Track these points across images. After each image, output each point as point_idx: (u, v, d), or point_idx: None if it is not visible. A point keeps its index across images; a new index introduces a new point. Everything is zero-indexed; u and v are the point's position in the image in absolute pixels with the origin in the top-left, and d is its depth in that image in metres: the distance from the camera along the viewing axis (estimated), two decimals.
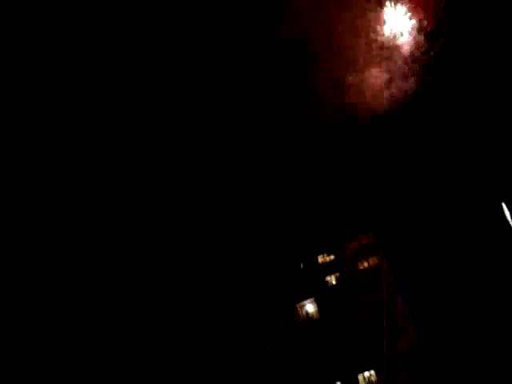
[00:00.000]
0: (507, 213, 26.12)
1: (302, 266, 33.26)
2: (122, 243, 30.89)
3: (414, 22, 21.90)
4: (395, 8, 20.65)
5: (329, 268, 33.13)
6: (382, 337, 28.65)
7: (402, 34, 21.19)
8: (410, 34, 21.57)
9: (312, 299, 31.73)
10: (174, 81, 30.86)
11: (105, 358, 26.69)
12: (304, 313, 31.32)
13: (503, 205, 25.86)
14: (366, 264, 31.91)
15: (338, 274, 32.57)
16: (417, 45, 22.09)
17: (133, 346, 28.60)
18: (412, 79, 23.82)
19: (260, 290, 33.11)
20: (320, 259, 33.73)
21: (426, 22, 21.63)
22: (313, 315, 31.13)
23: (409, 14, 21.00)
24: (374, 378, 27.59)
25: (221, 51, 28.44)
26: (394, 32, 21.76)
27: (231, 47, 28.02)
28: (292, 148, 32.74)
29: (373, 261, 32.20)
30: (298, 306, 31.63)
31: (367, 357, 28.15)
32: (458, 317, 26.92)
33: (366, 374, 27.99)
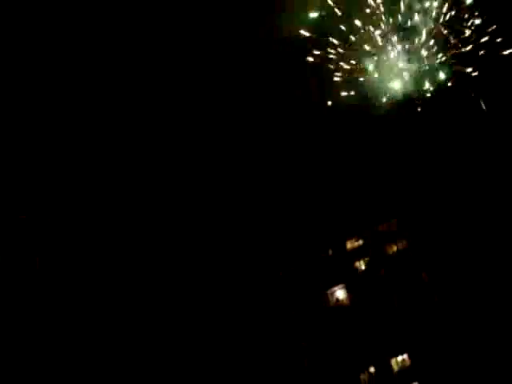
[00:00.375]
0: None
1: (330, 252, 33.31)
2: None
3: None
4: None
5: (357, 253, 33.06)
6: (413, 320, 28.60)
7: None
8: None
9: (342, 285, 31.83)
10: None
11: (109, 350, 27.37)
12: (334, 299, 31.48)
13: None
14: (394, 248, 31.69)
15: (367, 259, 32.49)
16: None
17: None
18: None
19: (291, 277, 33.40)
20: (348, 245, 33.66)
21: None
22: (343, 301, 31.26)
23: None
24: (407, 363, 27.66)
25: None
26: None
27: None
28: (317, 135, 32.61)
29: (402, 245, 31.93)
30: (328, 292, 31.81)
31: (399, 341, 28.17)
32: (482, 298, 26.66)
33: (399, 358, 28.07)
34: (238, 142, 32.89)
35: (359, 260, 32.66)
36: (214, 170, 33.73)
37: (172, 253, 31.70)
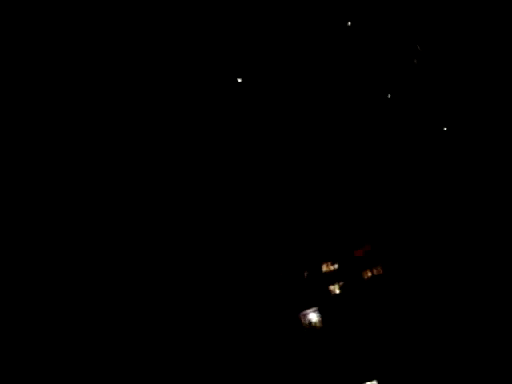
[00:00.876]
0: None
1: (305, 275, 33.30)
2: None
3: None
4: None
5: (332, 277, 33.15)
6: (384, 347, 28.56)
7: None
8: None
9: (315, 308, 31.75)
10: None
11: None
12: (307, 321, 31.29)
13: None
14: (369, 274, 31.88)
15: (341, 283, 32.57)
16: None
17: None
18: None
19: (263, 298, 33.15)
20: (324, 268, 33.74)
21: None
22: (316, 324, 31.11)
23: None
24: None
25: None
26: None
27: None
28: (294, 156, 33.00)
29: (377, 271, 32.16)
30: (301, 314, 31.64)
31: (369, 367, 28.03)
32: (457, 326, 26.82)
33: None
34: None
35: (333, 284, 32.77)
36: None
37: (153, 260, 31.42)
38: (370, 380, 27.72)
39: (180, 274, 32.58)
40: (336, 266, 33.15)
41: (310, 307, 31.67)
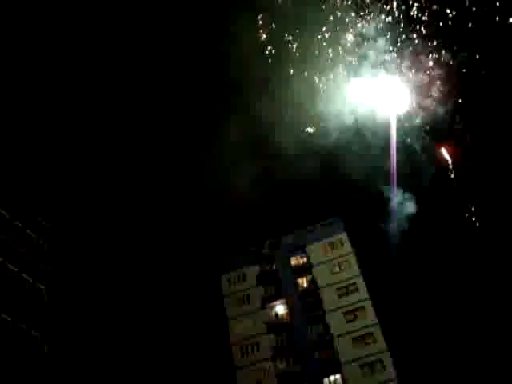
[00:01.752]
0: None
1: (274, 267, 33.16)
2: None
3: None
4: None
5: (301, 270, 33.06)
6: (350, 341, 28.79)
7: None
8: None
9: (283, 300, 31.62)
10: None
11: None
12: (273, 314, 31.18)
13: None
14: (337, 269, 31.93)
15: (309, 277, 32.51)
16: None
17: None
18: None
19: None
20: (293, 261, 33.61)
21: None
22: (283, 316, 31.01)
23: None
24: (339, 382, 27.63)
25: None
26: None
27: None
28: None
29: (345, 266, 32.23)
30: (268, 306, 31.49)
31: (333, 361, 28.19)
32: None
33: (332, 377, 28.03)
34: None
35: (302, 277, 32.70)
36: None
37: None
38: (334, 374, 27.91)
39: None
40: (305, 259, 33.16)
41: (277, 299, 31.60)
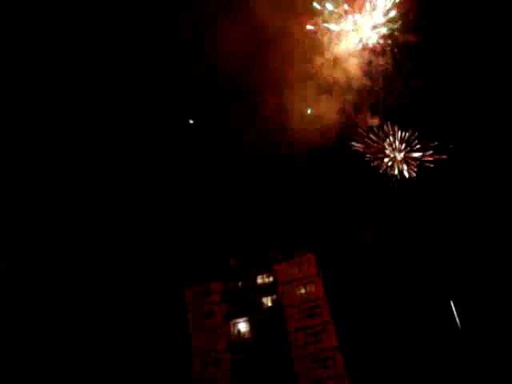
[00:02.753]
0: None
1: (240, 284, 33.38)
2: None
3: None
4: None
5: (266, 289, 33.39)
6: (310, 363, 29.13)
7: None
8: None
9: (246, 318, 31.81)
10: None
11: None
12: (236, 331, 31.31)
13: None
14: (303, 290, 32.39)
15: (274, 297, 32.87)
16: None
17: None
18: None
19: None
20: (259, 280, 33.93)
21: None
22: (244, 334, 31.16)
23: None
24: None
25: None
26: None
27: None
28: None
29: (310, 287, 32.74)
30: (231, 323, 31.63)
31: (293, 381, 28.48)
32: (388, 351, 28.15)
33: None
34: None
35: (266, 296, 33.02)
36: None
37: None
38: None
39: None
40: (271, 278, 33.56)
41: (240, 317, 31.81)
